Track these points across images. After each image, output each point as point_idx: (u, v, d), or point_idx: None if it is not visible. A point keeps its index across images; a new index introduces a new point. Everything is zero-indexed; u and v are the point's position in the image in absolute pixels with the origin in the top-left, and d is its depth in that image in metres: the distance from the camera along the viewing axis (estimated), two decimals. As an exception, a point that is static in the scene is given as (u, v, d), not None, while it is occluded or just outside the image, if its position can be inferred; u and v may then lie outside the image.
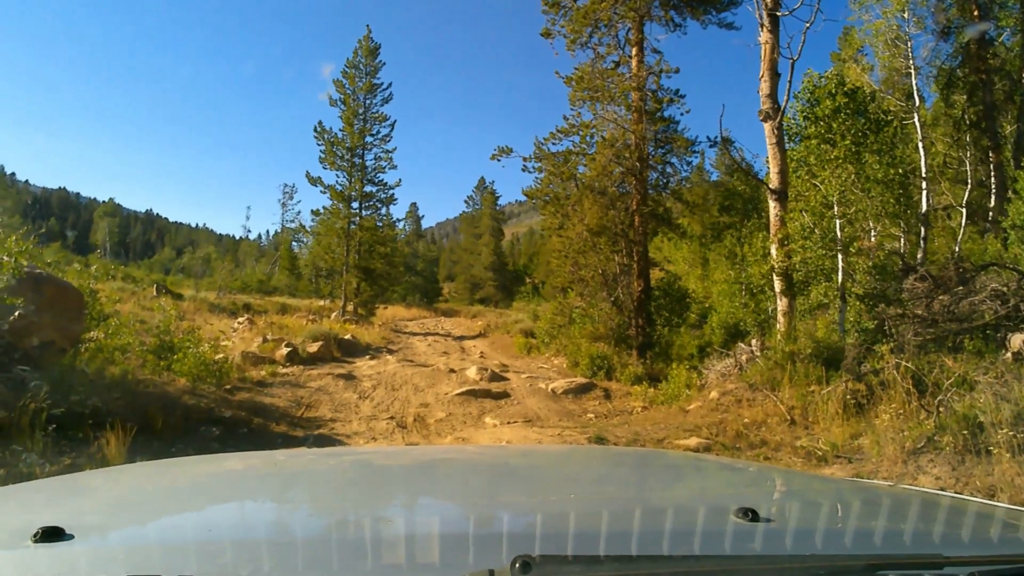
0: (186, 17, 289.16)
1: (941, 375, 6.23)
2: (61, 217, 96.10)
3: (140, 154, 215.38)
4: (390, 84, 27.50)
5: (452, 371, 12.85)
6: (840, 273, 9.63)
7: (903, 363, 6.62)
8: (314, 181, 26.62)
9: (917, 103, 13.72)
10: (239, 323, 18.06)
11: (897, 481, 4.89)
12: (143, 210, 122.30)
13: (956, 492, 4.54)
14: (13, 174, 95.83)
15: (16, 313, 6.52)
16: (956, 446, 5.11)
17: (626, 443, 7.24)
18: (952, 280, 8.24)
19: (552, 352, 16.43)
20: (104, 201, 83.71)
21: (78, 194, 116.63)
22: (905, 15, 14.19)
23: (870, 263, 10.14)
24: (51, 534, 1.08)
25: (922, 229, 11.92)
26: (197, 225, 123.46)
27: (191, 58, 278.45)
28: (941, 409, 5.68)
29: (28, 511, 1.44)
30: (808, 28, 10.58)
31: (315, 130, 26.56)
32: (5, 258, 6.78)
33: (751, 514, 1.20)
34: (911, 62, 14.33)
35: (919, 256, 11.51)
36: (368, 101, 27.06)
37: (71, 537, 1.09)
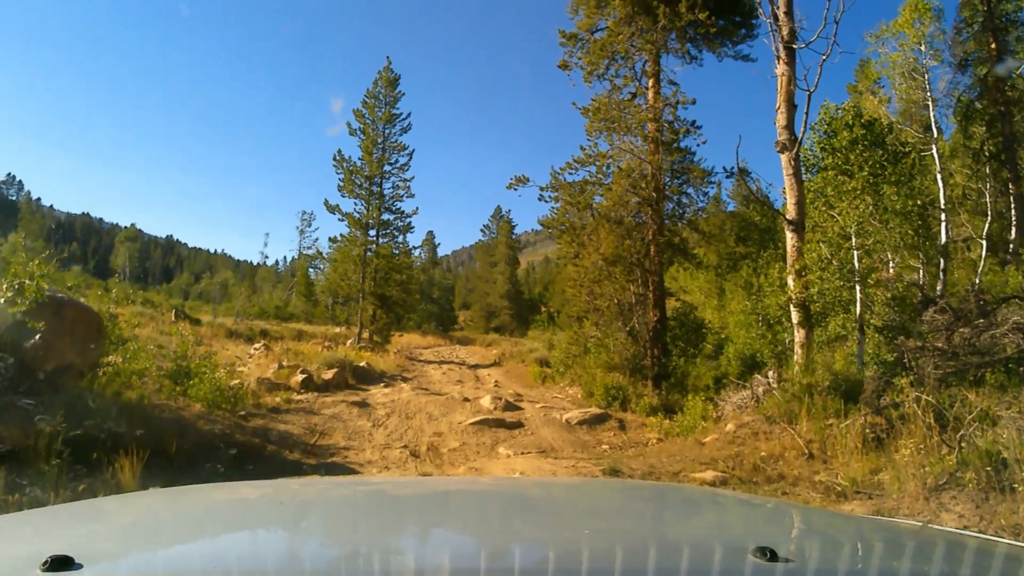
0: (209, 46, 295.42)
1: (963, 409, 6.11)
2: (84, 242, 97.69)
3: (162, 181, 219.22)
4: (409, 114, 27.93)
5: (466, 400, 12.80)
6: (858, 305, 9.53)
7: (923, 397, 6.51)
8: (332, 209, 26.92)
9: (935, 135, 13.66)
10: (255, 349, 18.17)
11: (921, 520, 4.79)
12: (163, 235, 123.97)
13: (980, 531, 4.43)
14: (39, 199, 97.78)
15: (36, 336, 6.58)
16: (979, 483, 5.00)
17: (641, 476, 7.15)
18: (973, 313, 8.13)
19: (567, 382, 16.34)
20: (126, 226, 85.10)
21: (101, 219, 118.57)
22: (922, 48, 14.19)
23: (889, 295, 10.04)
24: (60, 563, 1.07)
25: (941, 261, 11.78)
26: (216, 251, 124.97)
27: (213, 87, 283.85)
28: (963, 444, 5.56)
29: (40, 538, 1.43)
30: (824, 60, 10.61)
31: (334, 158, 26.94)
32: (27, 281, 6.86)
33: (769, 553, 1.18)
34: (929, 94, 14.30)
35: (939, 288, 11.37)
36: (387, 130, 27.43)
37: (80, 567, 1.09)
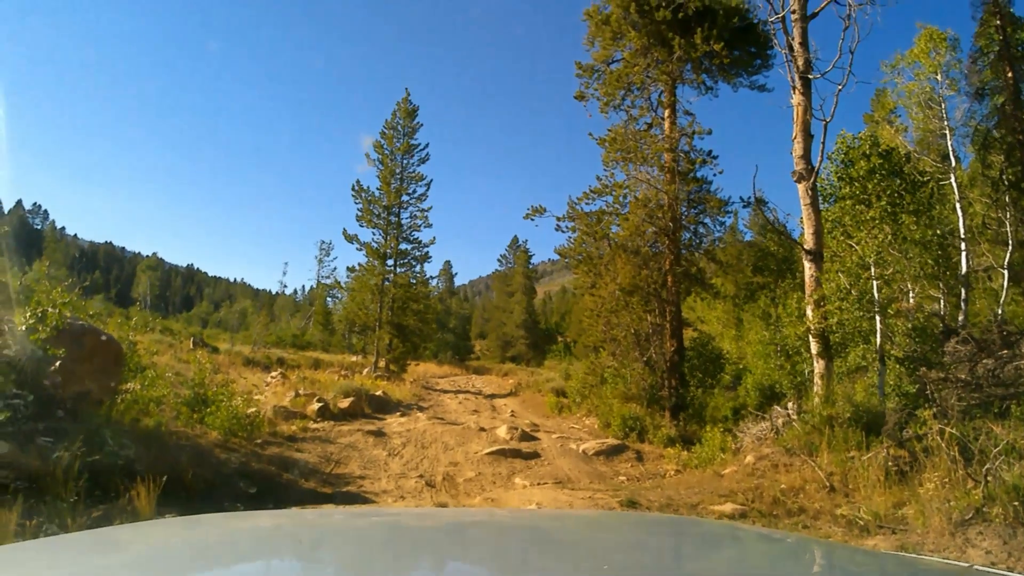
0: (232, 81, 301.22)
1: (988, 442, 6.00)
2: (106, 270, 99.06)
3: (184, 211, 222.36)
4: (427, 144, 28.24)
5: (482, 430, 12.73)
6: (878, 335, 9.43)
7: (947, 429, 6.40)
8: (350, 238, 27.15)
9: (953, 164, 13.62)
10: (272, 377, 18.24)
11: (962, 561, 4.69)
12: (184, 264, 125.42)
13: (1008, 568, 4.32)
14: (63, 228, 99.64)
15: (56, 364, 6.66)
16: (1007, 518, 4.89)
17: (659, 508, 7.06)
18: (996, 343, 8.03)
19: (583, 412, 16.24)
20: (148, 255, 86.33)
21: (123, 248, 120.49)
22: (938, 77, 14.22)
23: (909, 325, 9.93)
24: None
25: (962, 291, 11.67)
26: (235, 280, 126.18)
27: (235, 120, 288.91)
28: (989, 478, 5.45)
29: (55, 568, 1.44)
30: (840, 90, 10.64)
31: (353, 188, 27.25)
32: (50, 309, 6.96)
33: None
34: (946, 123, 14.29)
35: (960, 318, 11.25)
36: (405, 161, 27.73)
37: None
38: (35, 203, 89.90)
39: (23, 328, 6.55)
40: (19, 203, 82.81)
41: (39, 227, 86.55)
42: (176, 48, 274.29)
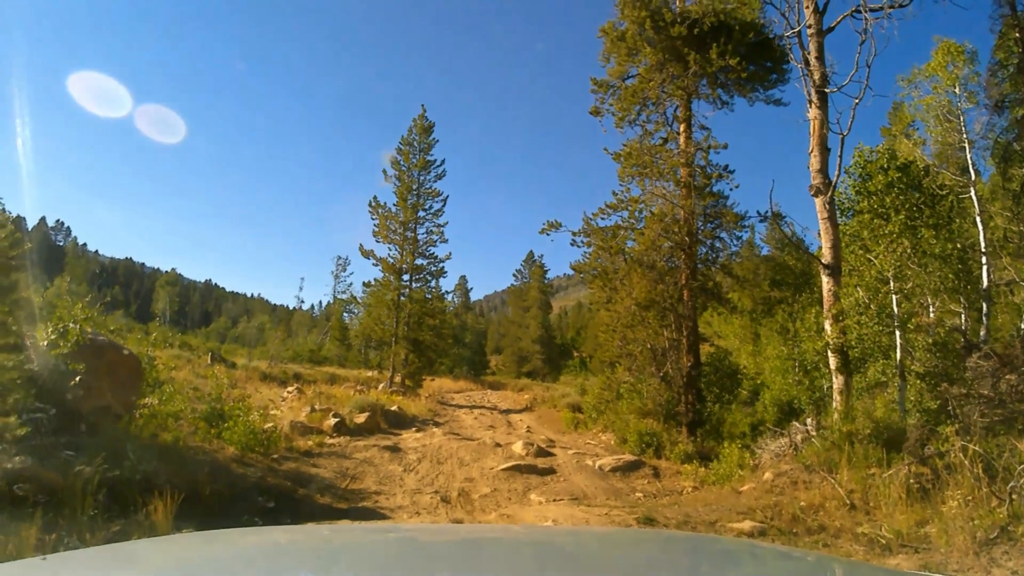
0: (249, 98, 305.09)
1: (1012, 459, 5.90)
2: (126, 286, 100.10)
3: (202, 227, 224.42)
4: (443, 160, 28.34)
5: (498, 445, 12.69)
6: (898, 350, 9.32)
7: (970, 446, 6.29)
8: (367, 254, 27.28)
9: (973, 177, 13.45)
10: (288, 392, 18.30)
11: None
12: (202, 280, 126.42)
13: (1035, 588, 4.23)
14: (84, 244, 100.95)
15: (77, 378, 6.72)
16: (1032, 537, 4.79)
17: (676, 525, 6.99)
18: (1019, 359, 7.90)
19: (599, 427, 16.15)
20: (167, 271, 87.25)
21: (143, 264, 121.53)
22: (956, 90, 14.10)
23: (930, 340, 9.80)
24: None
25: (984, 305, 11.49)
26: (253, 295, 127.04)
27: (253, 137, 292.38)
28: (1014, 496, 5.35)
29: None
30: (857, 104, 10.59)
31: (370, 204, 27.40)
32: (71, 325, 7.05)
33: None
34: (965, 136, 14.15)
35: (982, 333, 11.07)
36: (421, 177, 27.86)
37: None
38: (58, 220, 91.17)
39: (45, 343, 6.64)
40: (42, 220, 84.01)
41: (61, 243, 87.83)
42: (199, 67, 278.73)
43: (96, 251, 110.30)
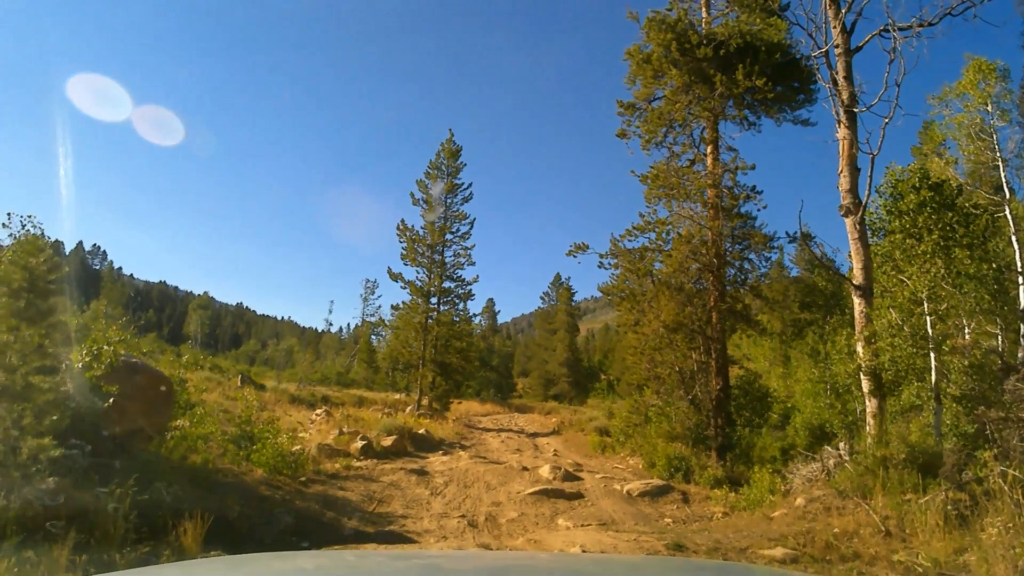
0: (278, 122, 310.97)
1: (1054, 486, 5.73)
2: (160, 309, 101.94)
3: (234, 250, 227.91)
4: (470, 184, 28.60)
5: (525, 469, 12.61)
6: (933, 373, 9.12)
7: (1010, 471, 6.13)
8: (395, 277, 27.52)
9: (1007, 195, 13.21)
10: (317, 415, 18.41)
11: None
12: (233, 303, 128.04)
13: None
14: (119, 268, 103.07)
15: (110, 400, 6.84)
16: (1077, 567, 4.63)
17: (706, 552, 6.87)
18: (1059, 382, 7.69)
19: (627, 452, 15.98)
20: (199, 294, 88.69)
21: (176, 287, 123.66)
22: (988, 108, 13.90)
23: (966, 362, 9.58)
24: None
25: (1021, 326, 11.21)
26: (282, 318, 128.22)
27: (281, 163, 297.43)
28: (1056, 524, 5.19)
29: None
30: (887, 123, 10.51)
31: (398, 228, 27.67)
32: (104, 347, 7.19)
33: None
34: (998, 154, 13.91)
35: (1019, 355, 10.80)
36: (449, 200, 28.10)
37: None
38: (94, 244, 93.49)
39: (79, 365, 6.77)
40: (79, 244, 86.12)
41: (97, 267, 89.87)
42: (240, 88, 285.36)
43: (131, 275, 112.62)
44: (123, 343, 7.72)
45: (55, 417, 5.51)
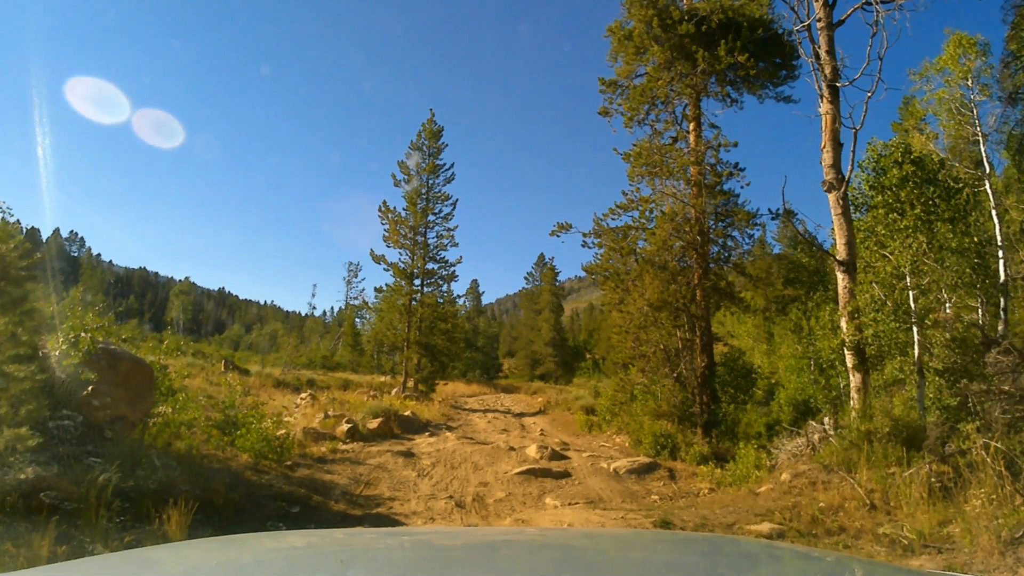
0: (262, 106, 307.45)
1: (1036, 456, 5.80)
2: (140, 295, 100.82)
3: (215, 235, 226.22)
4: (452, 164, 28.34)
5: (512, 449, 12.64)
6: (916, 347, 9.20)
7: (992, 443, 6.19)
8: (378, 259, 27.30)
9: (987, 170, 13.30)
10: (302, 399, 18.33)
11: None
12: (215, 288, 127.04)
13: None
14: (99, 255, 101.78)
15: (90, 388, 6.73)
16: (1059, 536, 4.69)
17: (693, 527, 6.92)
18: (1040, 354, 7.77)
19: (614, 430, 16.06)
20: (180, 280, 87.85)
21: (156, 273, 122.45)
22: (969, 83, 13.95)
23: (948, 336, 9.68)
24: None
25: (1002, 299, 11.34)
26: (266, 302, 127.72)
27: (263, 146, 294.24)
28: (1039, 494, 5.25)
29: None
30: (870, 98, 10.51)
31: (380, 209, 27.40)
32: (82, 334, 7.06)
33: None
34: (978, 129, 13.99)
35: (1000, 328, 10.93)
36: (431, 181, 27.88)
37: None
38: (72, 231, 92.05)
39: (56, 353, 6.65)
40: (56, 231, 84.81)
41: (76, 254, 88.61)
42: (215, 71, 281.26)
43: (111, 261, 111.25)
44: (102, 330, 7.58)
45: (32, 406, 5.41)
